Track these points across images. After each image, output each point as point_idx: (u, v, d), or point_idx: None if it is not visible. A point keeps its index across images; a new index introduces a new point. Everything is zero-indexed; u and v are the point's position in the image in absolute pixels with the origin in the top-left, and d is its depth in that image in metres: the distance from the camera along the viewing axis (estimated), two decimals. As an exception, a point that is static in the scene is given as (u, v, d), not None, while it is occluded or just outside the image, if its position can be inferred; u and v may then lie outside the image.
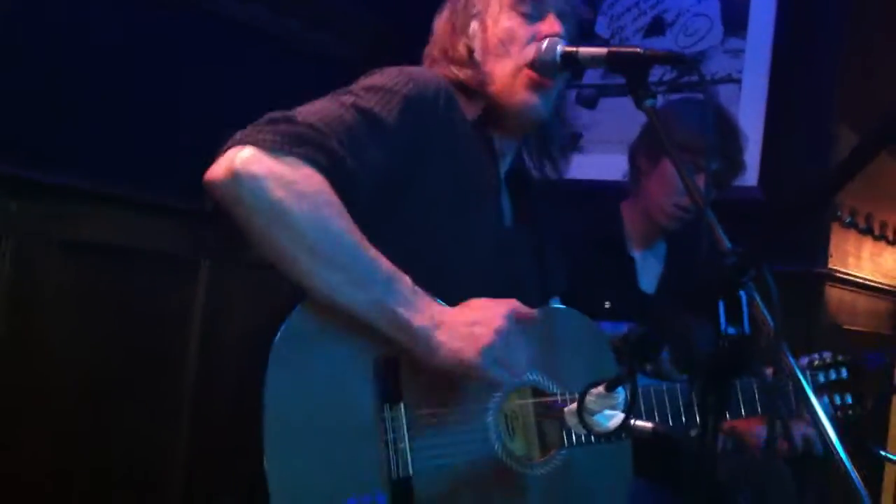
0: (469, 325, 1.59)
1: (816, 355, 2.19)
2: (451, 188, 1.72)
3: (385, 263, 1.55)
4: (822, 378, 2.16)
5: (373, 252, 1.54)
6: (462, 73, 1.81)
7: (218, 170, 1.49)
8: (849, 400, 2.16)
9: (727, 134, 2.40)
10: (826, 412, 1.27)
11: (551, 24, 1.78)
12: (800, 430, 2.11)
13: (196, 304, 2.77)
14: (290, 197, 1.46)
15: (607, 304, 2.38)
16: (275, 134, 1.50)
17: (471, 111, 1.81)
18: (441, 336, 1.56)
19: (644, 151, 2.48)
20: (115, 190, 2.54)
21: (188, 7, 2.77)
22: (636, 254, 2.49)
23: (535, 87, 1.77)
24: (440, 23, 1.91)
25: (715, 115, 2.37)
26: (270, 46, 3.05)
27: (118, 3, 2.59)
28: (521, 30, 1.79)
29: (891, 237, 3.65)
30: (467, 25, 1.84)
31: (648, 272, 2.50)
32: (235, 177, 1.47)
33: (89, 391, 2.53)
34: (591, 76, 3.33)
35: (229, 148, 1.51)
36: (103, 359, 2.57)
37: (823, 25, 3.04)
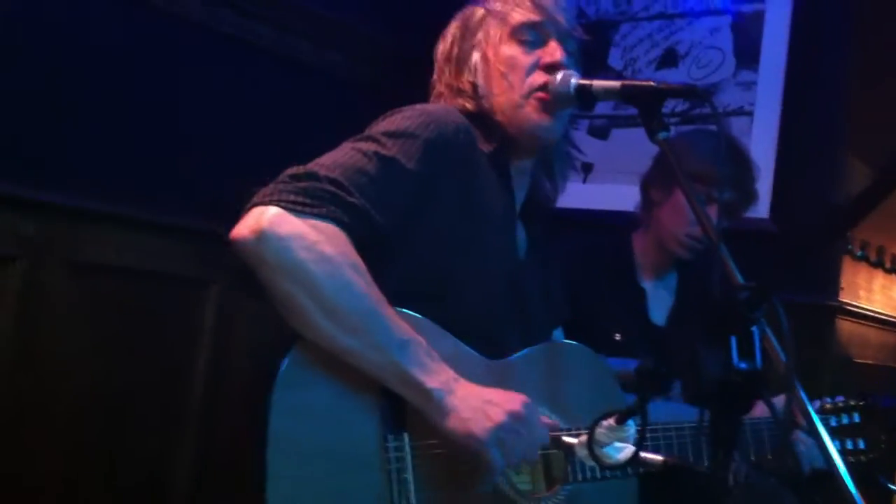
0: (483, 401, 1.58)
1: (829, 399, 2.17)
2: (469, 223, 1.72)
3: (402, 326, 1.55)
4: (833, 422, 2.14)
5: (391, 314, 1.55)
6: (471, 106, 1.82)
7: (244, 230, 1.51)
8: (861, 445, 2.14)
9: (740, 164, 2.40)
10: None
11: (553, 52, 1.79)
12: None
13: (205, 325, 2.77)
14: (313, 259, 1.48)
15: (618, 336, 2.38)
16: (298, 193, 1.52)
17: (487, 144, 1.81)
18: (453, 402, 1.55)
19: (656, 182, 2.48)
20: (125, 210, 2.55)
21: (196, 27, 2.79)
22: (647, 285, 2.49)
23: (546, 108, 1.78)
24: (441, 55, 1.91)
25: (728, 146, 2.38)
26: (279, 66, 3.07)
27: (127, 26, 2.61)
28: (523, 58, 1.80)
29: (902, 270, 3.64)
30: (468, 58, 1.84)
31: (659, 304, 2.49)
32: (261, 238, 1.48)
33: (97, 411, 2.53)
34: (603, 107, 3.34)
35: (254, 206, 1.52)
36: (111, 379, 2.57)
37: (835, 59, 3.05)
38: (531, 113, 1.78)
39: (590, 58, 3.23)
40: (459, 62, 1.86)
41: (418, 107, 1.73)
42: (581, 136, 3.34)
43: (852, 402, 2.16)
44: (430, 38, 1.96)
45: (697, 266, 2.47)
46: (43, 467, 2.41)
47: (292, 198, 1.51)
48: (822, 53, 3.06)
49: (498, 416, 1.56)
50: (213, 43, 2.85)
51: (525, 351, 1.79)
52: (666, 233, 2.44)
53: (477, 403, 1.57)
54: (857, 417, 2.15)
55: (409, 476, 1.56)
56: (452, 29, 1.91)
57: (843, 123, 3.04)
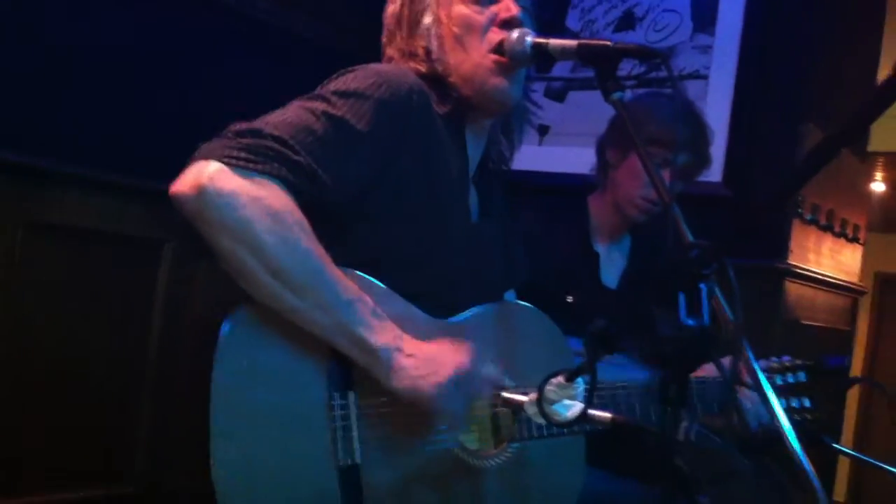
0: (429, 358, 1.58)
1: (776, 359, 2.21)
2: (423, 186, 1.70)
3: (348, 285, 1.54)
4: (779, 381, 2.18)
5: (337, 273, 1.53)
6: (425, 69, 1.78)
7: (184, 184, 1.46)
8: (807, 403, 2.19)
9: (696, 127, 2.42)
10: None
11: (507, 6, 1.74)
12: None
13: (159, 284, 2.75)
14: (256, 217, 1.45)
15: (570, 298, 2.39)
16: (241, 149, 1.48)
17: (442, 106, 1.78)
18: (400, 360, 1.55)
19: (612, 144, 2.48)
20: (79, 171, 2.52)
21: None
22: (600, 248, 2.50)
23: (503, 71, 1.75)
24: (390, 17, 1.85)
25: (684, 109, 2.39)
26: (240, 30, 3.02)
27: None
28: (477, 17, 1.75)
29: (851, 234, 3.70)
30: (419, 21, 1.79)
31: (611, 267, 2.51)
32: (202, 193, 1.44)
33: (52, 371, 2.51)
34: (560, 69, 3.34)
35: (195, 160, 1.48)
36: (67, 339, 2.55)
37: (791, 24, 3.07)
38: (490, 76, 1.75)
39: (548, 20, 3.24)
40: (411, 25, 1.81)
41: (371, 66, 1.69)
42: (538, 99, 3.34)
43: (799, 362, 2.21)
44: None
45: (651, 230, 2.49)
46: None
47: (235, 153, 1.47)
48: (777, 18, 3.08)
49: (445, 371, 1.57)
50: (178, 4, 2.80)
51: (474, 310, 1.78)
52: (621, 195, 2.45)
53: (423, 360, 1.57)
54: (803, 377, 2.20)
55: (355, 434, 1.56)
56: None
57: (799, 88, 3.07)
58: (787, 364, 2.20)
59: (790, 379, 2.19)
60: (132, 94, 2.71)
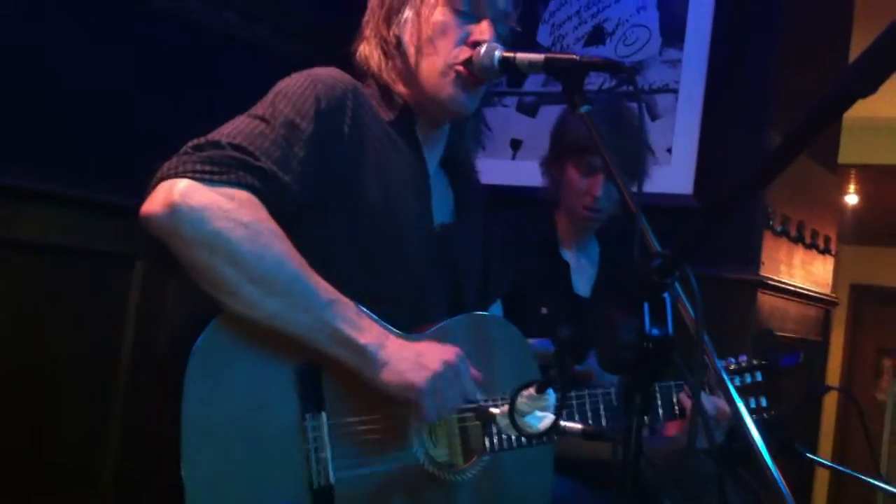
0: (416, 353, 1.60)
1: (733, 360, 2.24)
2: (371, 187, 1.71)
3: (327, 286, 1.55)
4: (738, 381, 2.21)
5: (314, 276, 1.54)
6: (386, 68, 1.81)
7: (155, 205, 1.47)
8: (764, 403, 2.22)
9: (613, 125, 2.39)
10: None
11: (483, 31, 1.76)
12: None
13: (131, 301, 2.74)
14: (230, 227, 1.46)
15: (544, 310, 2.41)
16: (204, 162, 1.49)
17: (388, 112, 1.80)
18: (387, 355, 1.57)
19: (550, 162, 2.56)
20: (50, 187, 2.50)
21: (125, 3, 2.73)
22: (569, 257, 2.53)
23: (463, 84, 1.77)
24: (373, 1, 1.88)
25: (609, 112, 2.39)
26: (207, 40, 3.02)
27: (54, 6, 2.55)
28: (454, 28, 1.77)
29: (822, 246, 3.73)
30: (400, 10, 1.81)
31: (582, 275, 2.53)
32: (175, 211, 1.45)
33: (23, 389, 2.49)
34: (532, 84, 3.36)
35: (160, 181, 1.49)
36: (38, 357, 2.52)
37: (758, 38, 3.11)
38: (448, 85, 1.77)
39: (518, 34, 3.26)
40: (390, 11, 1.82)
41: (307, 71, 1.72)
42: (510, 113, 3.36)
43: (755, 362, 2.24)
44: (359, 13, 1.94)
45: (619, 236, 2.52)
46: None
47: (198, 167, 1.49)
48: (746, 32, 3.12)
49: (433, 364, 1.59)
50: (141, 17, 2.80)
51: (443, 322, 1.78)
52: (567, 208, 2.51)
53: (410, 356, 1.59)
54: (759, 376, 2.23)
55: (328, 455, 1.56)
56: None
57: (767, 101, 3.10)
58: (744, 364, 2.23)
59: (748, 379, 2.22)
60: (100, 109, 2.69)
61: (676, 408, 2.06)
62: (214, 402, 1.48)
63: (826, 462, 2.53)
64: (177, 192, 1.46)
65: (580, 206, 2.46)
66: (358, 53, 1.86)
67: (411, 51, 1.79)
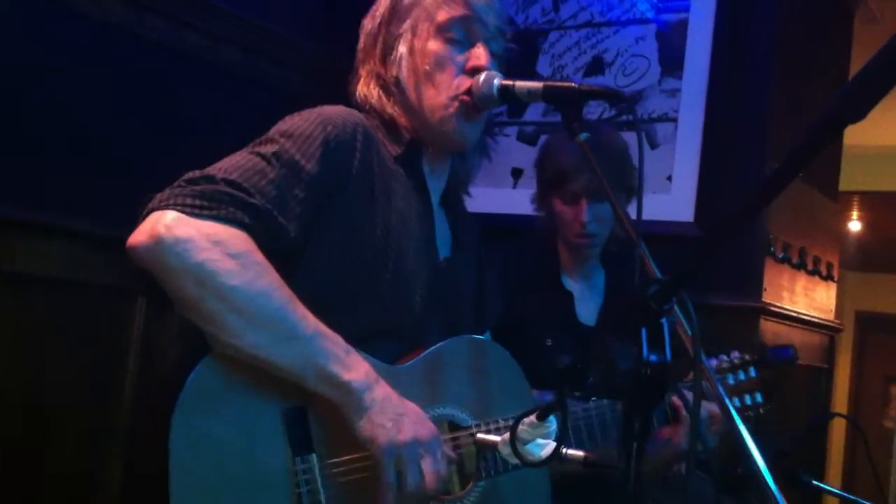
0: (398, 413, 1.57)
1: (725, 357, 2.22)
2: (377, 224, 1.71)
3: (315, 321, 1.53)
4: (731, 380, 2.19)
5: (301, 309, 1.53)
6: (389, 103, 1.82)
7: (141, 236, 1.48)
8: (759, 398, 2.20)
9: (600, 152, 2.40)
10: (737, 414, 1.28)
11: (478, 56, 1.78)
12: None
13: (133, 336, 2.74)
14: (216, 258, 1.45)
15: (549, 342, 2.41)
16: (195, 196, 1.49)
17: (395, 147, 1.81)
18: (370, 400, 1.54)
19: (540, 195, 2.58)
20: (52, 220, 2.51)
21: (126, 36, 2.76)
22: (573, 287, 2.53)
23: (466, 114, 1.78)
24: (366, 37, 1.88)
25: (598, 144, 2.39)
26: (210, 75, 3.05)
27: (57, 36, 2.57)
28: (450, 58, 1.78)
29: (824, 272, 3.73)
30: (393, 48, 1.82)
31: (587, 304, 2.53)
32: (159, 242, 1.45)
33: (24, 423, 2.49)
34: (532, 113, 3.38)
35: (150, 212, 1.49)
36: (40, 391, 2.52)
37: (756, 66, 3.13)
38: (453, 117, 1.78)
39: (519, 65, 3.28)
40: (385, 49, 1.84)
41: (317, 109, 1.72)
42: (511, 143, 3.37)
43: (747, 357, 2.22)
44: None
45: (623, 264, 2.52)
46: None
47: (188, 201, 1.49)
48: (744, 60, 3.14)
49: (406, 433, 1.56)
50: (143, 52, 2.83)
51: (439, 345, 1.78)
52: (564, 238, 2.53)
53: (391, 411, 1.56)
54: (752, 372, 2.21)
55: (322, 498, 1.55)
56: (382, 8, 1.88)
57: (767, 128, 3.11)
58: (736, 361, 2.21)
59: (741, 376, 2.20)
60: (103, 144, 2.72)
61: (669, 411, 2.05)
62: (202, 446, 1.48)
63: (833, 490, 2.51)
64: (163, 223, 1.46)
65: (572, 235, 2.47)
66: (357, 93, 1.86)
67: (411, 86, 1.80)
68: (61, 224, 2.54)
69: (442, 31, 1.79)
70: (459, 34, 1.80)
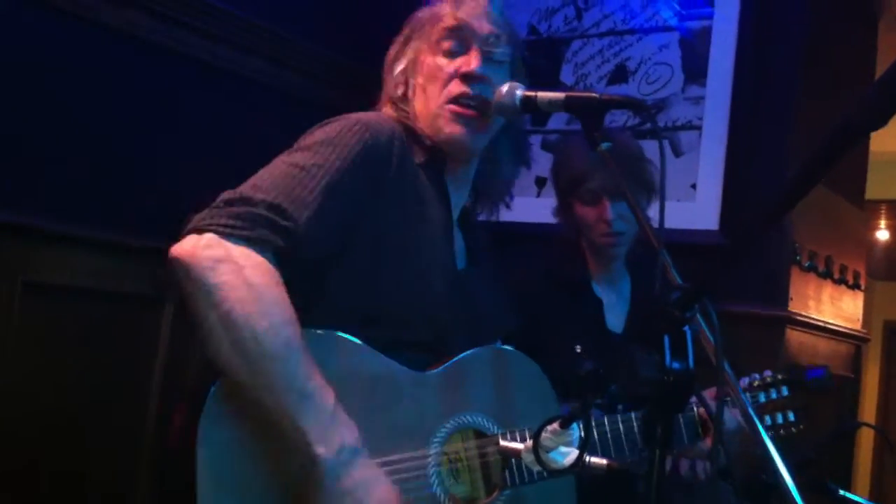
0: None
1: (757, 375, 2.20)
2: (404, 234, 1.73)
3: (311, 374, 1.49)
4: (762, 398, 2.17)
5: (302, 359, 1.49)
6: (400, 115, 1.85)
7: (178, 249, 1.52)
8: (791, 417, 2.17)
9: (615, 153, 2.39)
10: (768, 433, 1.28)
11: (468, 62, 1.80)
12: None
13: (160, 344, 2.76)
14: (233, 285, 1.47)
15: (578, 348, 2.40)
16: (231, 217, 1.52)
17: (419, 155, 1.83)
18: (333, 486, 1.47)
19: (560, 206, 2.56)
20: (78, 230, 2.54)
21: (155, 48, 2.79)
22: (602, 294, 2.52)
23: (459, 119, 1.80)
24: (387, 59, 1.94)
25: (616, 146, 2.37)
26: (235, 85, 3.08)
27: (82, 42, 2.61)
28: (443, 67, 1.82)
29: (850, 281, 3.70)
30: (401, 66, 1.88)
31: (614, 312, 2.52)
32: (192, 258, 1.49)
33: (53, 433, 2.51)
34: (556, 122, 3.38)
35: (190, 232, 1.53)
36: (67, 400, 2.55)
37: (780, 73, 3.12)
38: (444, 124, 1.80)
39: (542, 74, 3.29)
40: (394, 69, 1.90)
41: (352, 116, 1.74)
42: (535, 151, 3.37)
43: (780, 377, 2.19)
44: (384, 57, 1.99)
45: (649, 271, 2.51)
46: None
47: (224, 221, 1.52)
48: (768, 67, 3.13)
49: None
50: (170, 63, 2.86)
51: (462, 356, 1.78)
52: (590, 242, 2.51)
53: (356, 500, 1.48)
54: (785, 391, 2.19)
55: None
56: (402, 35, 1.94)
57: (791, 135, 3.10)
58: (769, 379, 2.19)
59: (773, 395, 2.18)
60: (130, 154, 2.75)
61: (699, 425, 2.03)
62: (228, 453, 1.49)
63: (860, 500, 2.48)
64: (201, 242, 1.50)
65: (598, 235, 2.45)
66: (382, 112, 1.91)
67: (413, 103, 1.85)
68: (88, 234, 2.57)
69: (437, 44, 1.84)
70: (454, 45, 1.83)
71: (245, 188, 1.59)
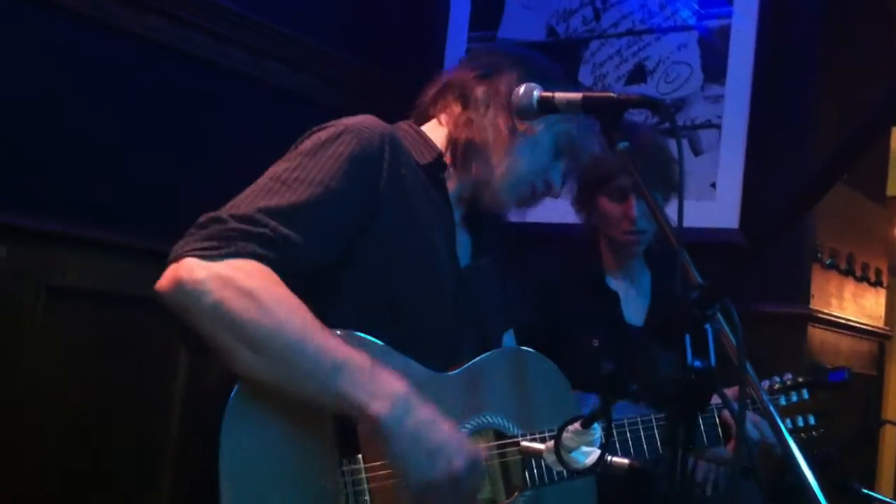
0: (432, 446, 1.52)
1: (777, 378, 2.19)
2: (406, 235, 1.73)
3: (337, 348, 1.51)
4: (783, 401, 2.16)
5: (322, 338, 1.51)
6: (444, 138, 1.86)
7: (162, 282, 1.52)
8: (812, 421, 2.16)
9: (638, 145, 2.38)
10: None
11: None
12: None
13: (181, 347, 2.78)
14: (229, 297, 1.48)
15: (595, 342, 2.40)
16: (205, 239, 1.53)
17: (422, 157, 1.82)
18: (403, 432, 1.50)
19: (581, 198, 2.56)
20: (99, 234, 2.57)
21: (171, 52, 2.81)
22: (618, 287, 2.52)
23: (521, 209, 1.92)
24: (469, 83, 1.88)
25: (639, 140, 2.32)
26: (254, 91, 3.10)
27: (101, 49, 2.63)
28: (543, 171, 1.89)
29: (872, 278, 3.68)
30: (479, 99, 1.85)
31: (633, 305, 2.52)
32: (178, 286, 1.49)
33: (74, 436, 2.54)
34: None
35: (170, 263, 1.53)
36: (88, 403, 2.57)
37: (799, 71, 3.11)
38: (504, 197, 1.86)
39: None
40: (476, 104, 1.85)
41: (341, 122, 1.73)
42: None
43: (801, 380, 2.18)
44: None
45: (669, 265, 2.50)
46: (17, 494, 2.40)
47: (199, 245, 1.52)
48: (787, 65, 3.12)
49: (441, 470, 1.52)
50: (189, 68, 2.88)
51: (480, 357, 1.79)
52: (610, 237, 2.52)
53: (426, 442, 1.52)
54: (805, 394, 2.17)
55: (367, 499, 1.56)
56: (482, 67, 1.89)
57: (811, 133, 3.09)
58: (789, 383, 2.17)
59: (794, 398, 2.17)
60: (149, 158, 2.77)
61: (721, 430, 2.03)
62: (251, 452, 1.50)
63: (884, 499, 2.46)
64: (182, 269, 1.50)
65: (620, 232, 2.45)
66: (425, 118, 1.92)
67: (484, 158, 1.84)
68: (111, 239, 2.60)
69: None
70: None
71: (223, 208, 1.59)
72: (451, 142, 1.86)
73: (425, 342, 1.71)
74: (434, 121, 1.90)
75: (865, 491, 2.31)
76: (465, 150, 1.84)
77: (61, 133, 2.54)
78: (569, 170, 1.90)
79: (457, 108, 1.86)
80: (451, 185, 1.88)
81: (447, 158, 1.85)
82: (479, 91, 1.84)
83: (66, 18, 2.52)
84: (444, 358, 1.75)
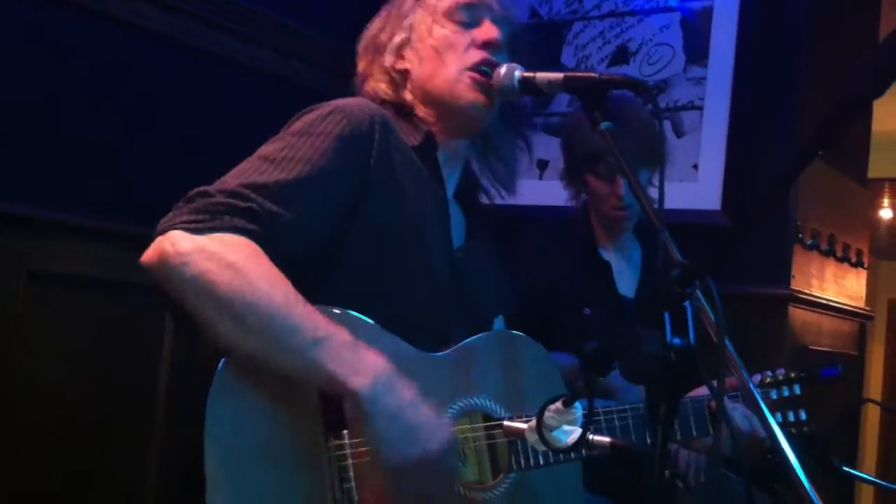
0: (409, 425, 1.52)
1: (769, 372, 2.21)
2: (396, 217, 1.72)
3: (318, 322, 1.50)
4: (774, 395, 2.18)
5: (304, 312, 1.50)
6: (402, 93, 1.85)
7: (147, 255, 1.53)
8: (803, 416, 2.18)
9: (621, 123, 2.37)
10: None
11: (487, 30, 1.81)
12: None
13: (166, 334, 2.77)
14: (211, 269, 1.48)
15: (587, 311, 2.41)
16: (192, 212, 1.53)
17: (412, 137, 1.82)
18: (380, 410, 1.49)
19: (570, 175, 2.58)
20: (84, 221, 2.55)
21: (159, 38, 2.79)
22: (610, 257, 2.54)
23: (480, 88, 1.80)
24: (367, 42, 1.94)
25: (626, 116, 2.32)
26: (243, 75, 3.08)
27: (85, 34, 2.61)
28: (458, 37, 1.82)
29: (853, 259, 3.71)
30: (398, 44, 1.87)
31: (625, 276, 2.54)
32: (162, 259, 1.50)
33: (61, 422, 2.52)
34: (558, 105, 3.38)
35: (157, 236, 1.54)
36: (75, 389, 2.56)
37: (782, 52, 3.11)
38: (465, 90, 1.80)
39: (543, 57, 3.28)
40: (392, 45, 1.88)
41: (332, 103, 1.73)
42: (537, 134, 3.38)
43: (793, 374, 2.20)
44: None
45: (658, 240, 2.51)
46: (5, 481, 2.40)
47: (185, 218, 1.52)
48: (769, 47, 3.12)
49: (412, 453, 1.51)
50: (177, 54, 2.86)
51: (469, 340, 1.79)
52: (600, 213, 2.54)
53: (403, 421, 1.51)
54: (797, 389, 2.19)
55: (351, 474, 1.55)
56: (379, 20, 1.95)
57: (793, 115, 3.10)
58: (781, 377, 2.19)
59: (785, 392, 2.19)
60: (133, 142, 2.75)
61: (709, 418, 2.03)
62: (237, 426, 1.50)
63: (866, 476, 2.49)
64: (167, 241, 1.51)
65: (609, 207, 2.48)
66: (367, 91, 1.90)
67: (423, 73, 1.84)
68: (96, 225, 2.58)
69: (448, 16, 1.84)
70: (467, 16, 1.84)
71: (206, 186, 1.59)
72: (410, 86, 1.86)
73: (418, 323, 1.71)
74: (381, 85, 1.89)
75: (848, 469, 2.33)
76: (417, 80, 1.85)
77: (46, 119, 2.52)
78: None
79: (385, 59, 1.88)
80: (443, 164, 1.87)
81: (418, 109, 1.85)
82: (383, 35, 1.90)
83: (64, 6, 2.50)
84: (436, 339, 1.75)
